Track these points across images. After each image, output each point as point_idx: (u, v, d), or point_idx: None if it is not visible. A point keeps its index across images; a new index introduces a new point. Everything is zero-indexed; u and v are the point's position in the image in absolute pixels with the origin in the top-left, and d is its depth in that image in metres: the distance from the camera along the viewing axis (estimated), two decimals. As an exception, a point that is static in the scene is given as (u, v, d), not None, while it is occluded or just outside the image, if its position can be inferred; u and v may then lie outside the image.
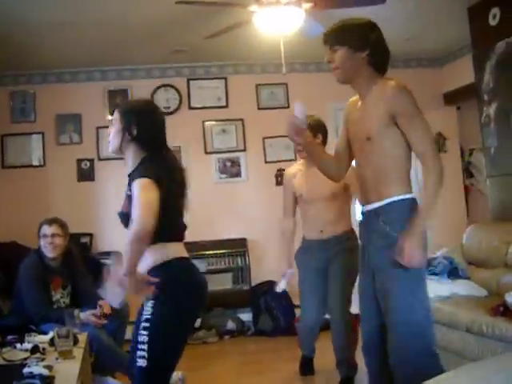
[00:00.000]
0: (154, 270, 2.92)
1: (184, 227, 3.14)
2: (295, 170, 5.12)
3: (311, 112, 5.14)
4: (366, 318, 3.34)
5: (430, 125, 3.05)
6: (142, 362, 2.85)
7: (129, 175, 3.04)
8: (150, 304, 2.90)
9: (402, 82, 3.07)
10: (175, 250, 3.03)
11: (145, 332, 2.86)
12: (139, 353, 2.86)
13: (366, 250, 3.28)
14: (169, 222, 2.92)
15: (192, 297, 2.99)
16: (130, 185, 2.95)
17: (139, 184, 2.84)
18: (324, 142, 4.91)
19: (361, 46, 3.12)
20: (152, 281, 2.84)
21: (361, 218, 3.36)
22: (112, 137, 3.14)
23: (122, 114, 3.12)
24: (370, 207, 3.19)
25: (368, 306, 3.28)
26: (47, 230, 4.96)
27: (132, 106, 3.25)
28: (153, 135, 3.12)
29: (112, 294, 4.61)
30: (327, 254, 4.89)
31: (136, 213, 2.77)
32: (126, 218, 2.93)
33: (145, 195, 2.81)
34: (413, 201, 3.11)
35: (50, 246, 4.94)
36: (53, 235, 4.96)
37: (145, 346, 2.85)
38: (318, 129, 4.87)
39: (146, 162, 3.02)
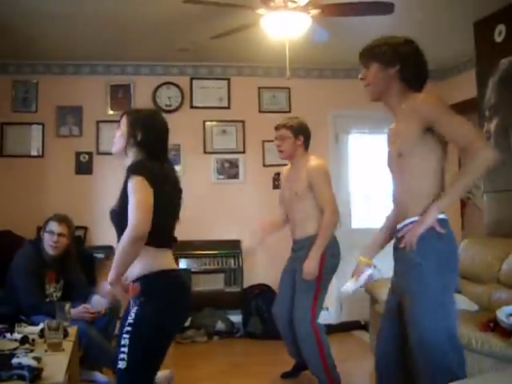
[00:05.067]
0: (140, 280, 3.00)
1: (173, 237, 3.22)
2: (285, 169, 5.34)
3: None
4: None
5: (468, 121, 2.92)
6: (121, 364, 2.95)
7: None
8: (134, 310, 2.99)
9: (431, 93, 3.00)
10: (163, 261, 3.09)
11: (126, 335, 2.96)
12: (120, 355, 2.96)
13: (395, 272, 3.21)
14: (158, 225, 2.94)
15: (175, 309, 3.08)
16: (125, 180, 3.00)
17: (133, 183, 2.91)
18: (306, 144, 5.03)
19: (390, 61, 3.08)
20: (136, 290, 2.96)
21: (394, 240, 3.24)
22: (117, 139, 3.25)
23: (130, 118, 3.24)
24: (399, 225, 3.12)
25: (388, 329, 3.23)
26: (55, 227, 4.94)
27: (139, 113, 3.34)
28: (156, 142, 3.22)
29: (97, 301, 4.72)
30: (297, 255, 4.96)
31: (131, 215, 2.83)
32: (115, 215, 3.05)
33: (139, 195, 2.88)
34: (443, 221, 2.98)
35: (53, 244, 4.92)
36: (59, 234, 4.94)
37: (125, 349, 2.95)
38: (300, 130, 4.98)
39: (142, 160, 3.12)
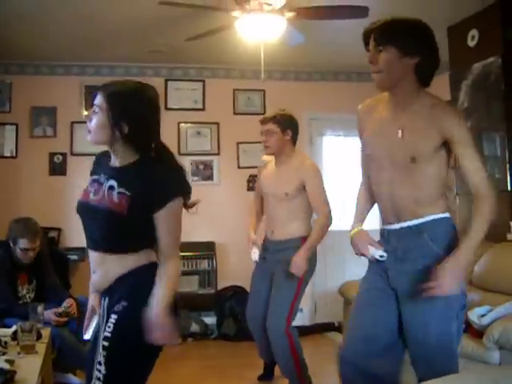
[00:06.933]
0: (124, 279, 2.57)
1: None
2: (268, 164, 5.01)
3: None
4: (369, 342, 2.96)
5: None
6: None
7: (123, 170, 2.62)
8: (112, 320, 2.50)
9: (454, 107, 2.79)
10: (148, 254, 2.65)
11: (103, 352, 2.46)
12: (95, 373, 2.46)
13: (388, 270, 2.93)
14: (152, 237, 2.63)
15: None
16: (119, 180, 2.57)
17: (175, 207, 2.66)
18: (294, 139, 4.84)
19: (412, 50, 2.73)
20: None
21: (381, 238, 3.01)
22: (96, 129, 2.54)
23: (110, 102, 2.50)
24: (404, 224, 2.85)
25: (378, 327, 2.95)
26: (29, 245, 4.84)
27: (122, 94, 2.55)
28: (148, 133, 2.61)
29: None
30: (275, 257, 4.76)
31: (168, 240, 2.59)
32: (115, 216, 2.58)
33: (179, 227, 2.69)
34: (451, 220, 2.94)
35: (26, 257, 4.86)
36: (33, 249, 4.88)
37: (101, 368, 2.45)
38: (288, 125, 4.78)
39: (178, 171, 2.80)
